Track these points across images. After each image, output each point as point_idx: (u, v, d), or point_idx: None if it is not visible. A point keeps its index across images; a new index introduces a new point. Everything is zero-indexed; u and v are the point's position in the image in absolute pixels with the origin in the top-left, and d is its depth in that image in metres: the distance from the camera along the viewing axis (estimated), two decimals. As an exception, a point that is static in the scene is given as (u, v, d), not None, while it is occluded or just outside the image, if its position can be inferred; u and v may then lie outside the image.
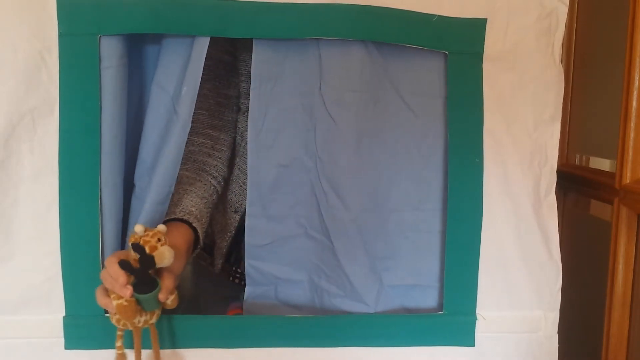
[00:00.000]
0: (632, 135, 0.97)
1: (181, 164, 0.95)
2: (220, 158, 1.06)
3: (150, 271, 0.81)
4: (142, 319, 0.84)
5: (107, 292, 0.82)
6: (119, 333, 0.86)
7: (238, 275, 1.15)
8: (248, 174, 0.96)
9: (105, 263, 0.82)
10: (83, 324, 0.91)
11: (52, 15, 0.84)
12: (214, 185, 1.03)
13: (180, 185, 0.99)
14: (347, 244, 0.98)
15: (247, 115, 0.96)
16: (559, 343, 1.00)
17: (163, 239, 0.82)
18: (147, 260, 0.80)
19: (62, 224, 0.88)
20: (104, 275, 0.82)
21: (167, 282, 0.83)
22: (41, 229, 0.88)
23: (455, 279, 0.96)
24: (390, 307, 1.02)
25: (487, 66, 0.92)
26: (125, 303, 0.80)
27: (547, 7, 0.92)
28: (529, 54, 0.93)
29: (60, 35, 0.85)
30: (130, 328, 0.84)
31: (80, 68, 0.85)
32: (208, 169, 1.04)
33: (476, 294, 0.96)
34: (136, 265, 0.80)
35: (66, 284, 0.89)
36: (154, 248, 0.81)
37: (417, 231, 0.99)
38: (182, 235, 0.92)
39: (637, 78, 0.96)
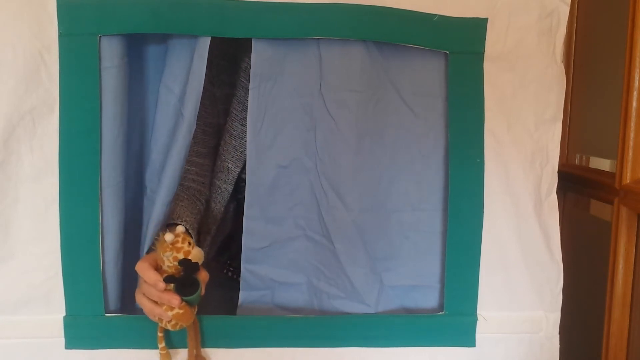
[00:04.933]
0: (632, 135, 0.96)
1: None
2: (203, 183, 1.07)
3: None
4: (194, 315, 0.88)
5: (155, 303, 0.85)
6: (160, 335, 0.89)
7: (232, 269, 1.15)
8: (247, 175, 0.96)
9: (138, 270, 0.85)
10: (83, 324, 0.91)
11: (52, 15, 0.84)
12: (198, 207, 1.04)
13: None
14: (347, 244, 0.98)
15: (225, 148, 1.00)
16: (559, 343, 1.00)
17: (191, 240, 0.86)
18: (192, 268, 0.84)
19: (62, 224, 0.88)
20: (146, 290, 0.85)
21: (203, 275, 0.87)
22: (41, 229, 0.88)
23: (455, 279, 0.96)
24: (390, 307, 1.02)
25: (488, 66, 0.92)
26: (181, 311, 0.84)
27: (548, 7, 0.92)
28: (530, 53, 0.93)
29: (60, 35, 0.85)
30: (186, 326, 0.88)
31: (80, 68, 0.85)
32: (193, 192, 1.05)
33: (477, 295, 0.96)
34: (173, 271, 0.84)
35: (66, 284, 0.89)
36: (189, 252, 0.85)
37: (418, 231, 0.99)
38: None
39: (637, 78, 0.96)
